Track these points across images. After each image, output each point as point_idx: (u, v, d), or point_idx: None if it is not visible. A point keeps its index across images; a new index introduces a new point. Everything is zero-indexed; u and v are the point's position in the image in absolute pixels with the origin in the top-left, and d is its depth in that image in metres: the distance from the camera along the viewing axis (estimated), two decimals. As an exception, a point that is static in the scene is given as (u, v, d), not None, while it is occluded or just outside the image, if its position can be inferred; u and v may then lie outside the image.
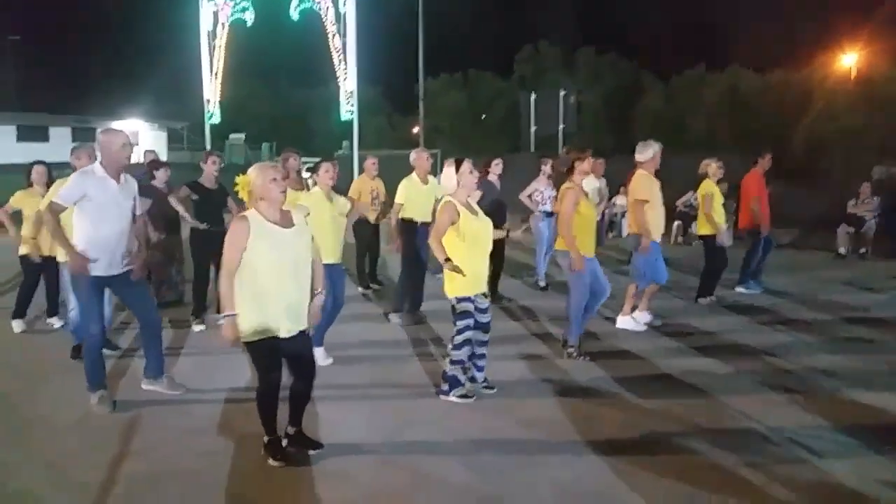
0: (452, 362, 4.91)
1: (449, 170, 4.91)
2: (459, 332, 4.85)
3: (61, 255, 5.62)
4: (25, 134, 29.61)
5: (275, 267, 3.70)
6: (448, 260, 4.71)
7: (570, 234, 5.71)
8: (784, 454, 4.09)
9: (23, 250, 6.68)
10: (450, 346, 4.92)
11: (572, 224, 5.71)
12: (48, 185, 6.49)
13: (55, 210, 4.57)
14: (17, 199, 6.72)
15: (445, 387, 4.94)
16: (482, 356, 5.06)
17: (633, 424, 4.52)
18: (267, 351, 3.79)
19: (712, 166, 7.96)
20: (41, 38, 50.35)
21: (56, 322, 6.92)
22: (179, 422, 4.58)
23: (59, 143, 29.24)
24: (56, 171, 6.97)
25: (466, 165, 4.88)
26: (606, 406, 4.85)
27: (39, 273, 6.79)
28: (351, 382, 5.34)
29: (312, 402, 4.30)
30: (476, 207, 4.97)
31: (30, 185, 6.70)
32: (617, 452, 4.10)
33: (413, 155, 7.31)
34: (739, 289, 8.60)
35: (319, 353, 5.66)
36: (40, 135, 29.67)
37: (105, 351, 5.81)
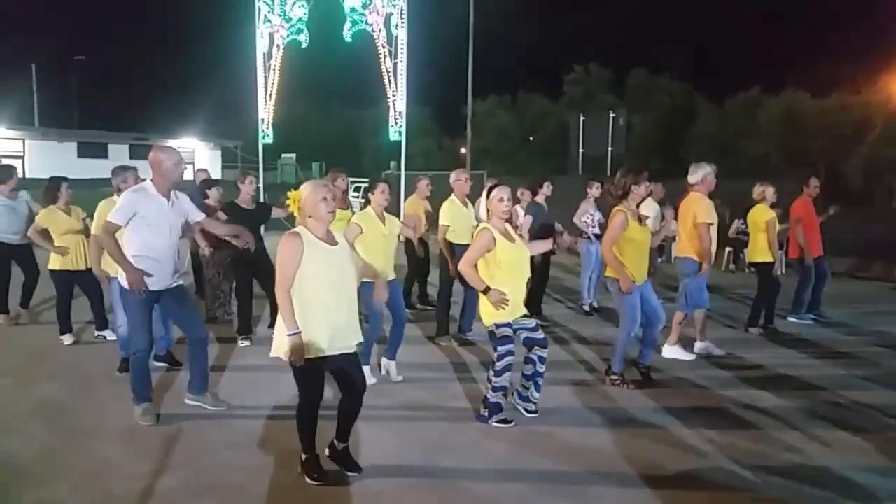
0: (494, 389, 4.83)
1: (483, 196, 4.86)
2: (500, 357, 4.77)
3: (113, 271, 5.76)
4: (86, 150, 30.63)
5: (326, 283, 3.73)
6: (488, 289, 4.65)
7: (611, 256, 5.60)
8: (836, 493, 3.92)
9: (53, 265, 6.83)
10: (491, 373, 4.84)
11: (614, 247, 5.60)
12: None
13: (110, 230, 4.67)
14: (43, 219, 6.84)
15: (485, 412, 4.89)
16: (541, 374, 4.97)
17: (677, 456, 4.40)
18: (311, 370, 3.79)
19: (769, 191, 7.77)
20: (103, 58, 52.37)
21: (109, 334, 7.05)
22: (220, 436, 4.63)
23: (117, 160, 30.08)
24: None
25: (496, 192, 4.77)
26: (650, 436, 4.73)
27: (71, 285, 6.93)
28: (390, 403, 5.33)
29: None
30: (513, 234, 4.90)
31: (52, 202, 6.84)
32: (660, 485, 3.99)
33: (452, 176, 7.28)
34: (792, 318, 8.35)
35: (364, 372, 5.68)
36: (100, 151, 30.66)
37: (158, 364, 5.96)
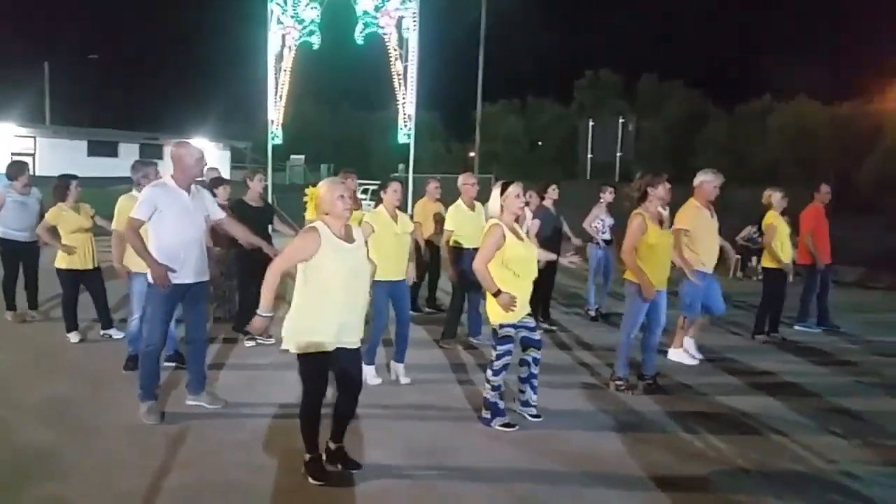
0: (493, 388, 4.85)
1: (495, 191, 4.87)
2: (499, 356, 4.79)
3: (135, 266, 5.81)
4: (96, 149, 30.79)
5: (339, 278, 3.80)
6: (499, 292, 4.65)
7: (630, 259, 5.53)
8: (841, 498, 3.90)
9: (60, 264, 6.83)
10: (489, 372, 4.86)
11: (633, 251, 5.54)
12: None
13: (134, 226, 4.70)
14: (52, 216, 6.84)
15: (487, 414, 4.89)
16: (535, 376, 4.99)
17: (681, 461, 4.39)
18: (316, 364, 3.84)
19: (776, 196, 7.76)
20: (114, 58, 52.74)
21: (115, 333, 7.07)
22: (225, 435, 4.64)
23: (128, 159, 30.35)
24: (126, 185, 7.14)
25: (513, 189, 4.79)
26: (655, 441, 4.72)
27: (78, 284, 6.93)
28: (393, 403, 5.34)
29: (354, 420, 4.30)
30: (522, 233, 4.91)
31: (61, 199, 6.84)
32: (664, 489, 3.99)
33: (460, 180, 7.29)
34: (798, 327, 8.32)
35: (369, 372, 5.70)
36: (110, 150, 30.86)
37: (167, 364, 5.98)
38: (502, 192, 4.80)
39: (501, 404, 4.90)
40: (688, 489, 4.03)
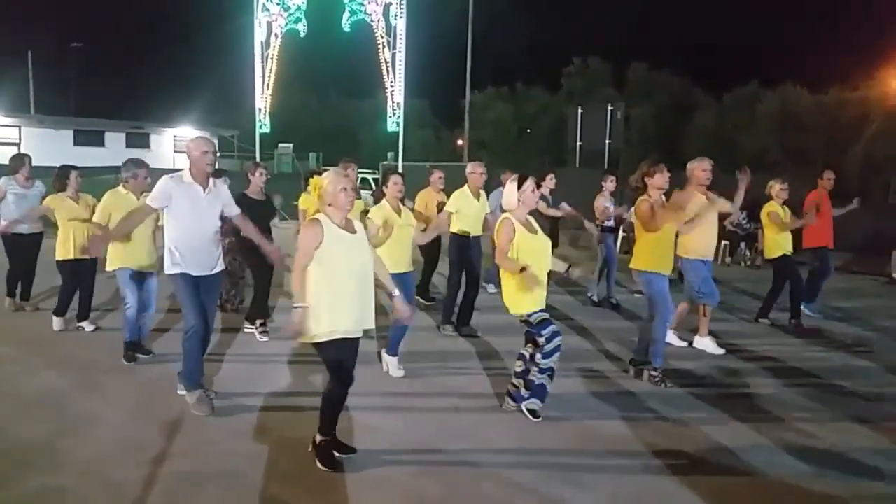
0: (541, 371, 4.76)
1: (511, 186, 4.84)
2: (549, 339, 4.69)
3: (112, 265, 5.89)
4: (82, 138, 30.50)
5: (343, 269, 3.85)
6: (524, 268, 4.59)
7: (655, 233, 5.58)
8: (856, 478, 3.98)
9: (58, 256, 6.81)
10: (538, 356, 4.75)
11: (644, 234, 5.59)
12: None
13: (146, 211, 4.93)
14: (50, 202, 6.87)
15: (526, 393, 4.82)
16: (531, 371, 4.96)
17: (684, 444, 4.43)
18: (336, 350, 3.90)
19: (775, 187, 7.82)
20: (100, 47, 52.20)
21: (87, 326, 7.01)
22: (221, 424, 4.64)
23: (114, 148, 30.18)
24: (112, 175, 7.09)
25: (529, 183, 4.77)
26: (657, 424, 4.77)
27: (77, 275, 6.89)
28: (392, 391, 5.36)
29: (352, 408, 4.30)
30: (535, 225, 4.89)
31: (61, 189, 6.84)
32: (666, 472, 4.04)
33: (468, 168, 7.29)
34: (807, 311, 8.25)
35: (392, 363, 5.74)
36: (96, 139, 30.60)
37: (140, 356, 5.98)
38: (519, 186, 4.78)
39: (549, 387, 4.83)
40: (692, 471, 4.07)
